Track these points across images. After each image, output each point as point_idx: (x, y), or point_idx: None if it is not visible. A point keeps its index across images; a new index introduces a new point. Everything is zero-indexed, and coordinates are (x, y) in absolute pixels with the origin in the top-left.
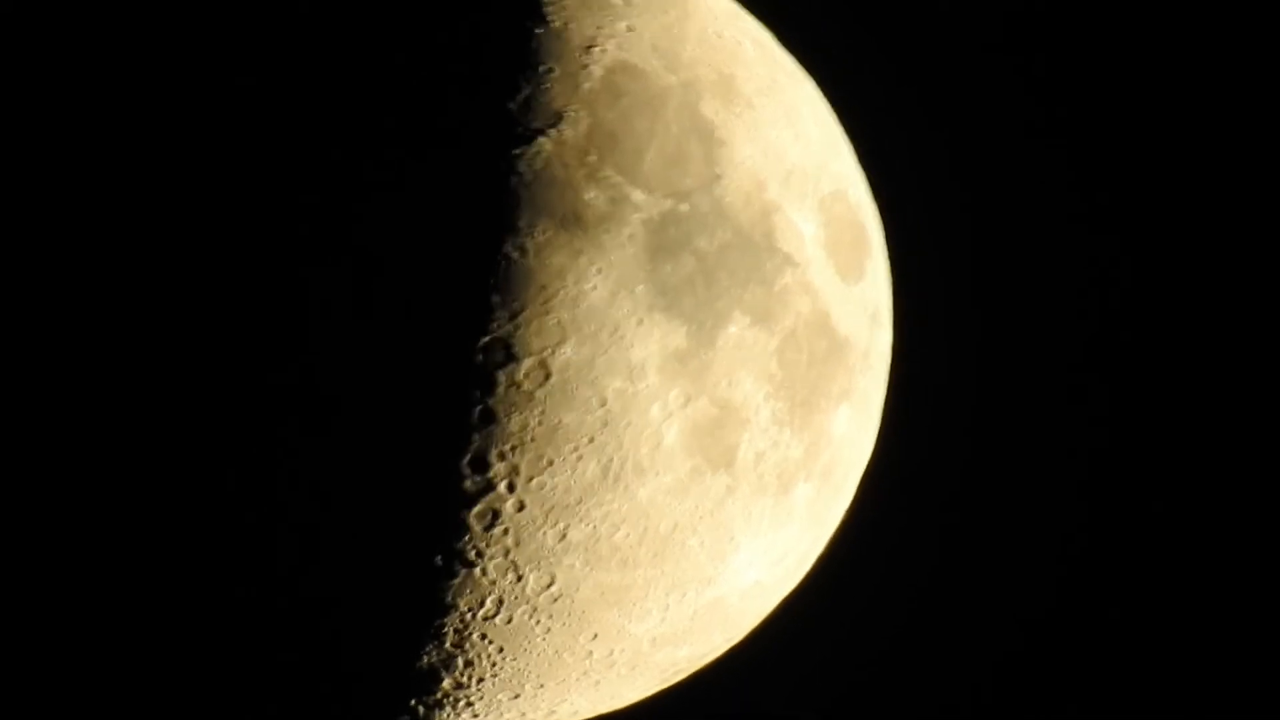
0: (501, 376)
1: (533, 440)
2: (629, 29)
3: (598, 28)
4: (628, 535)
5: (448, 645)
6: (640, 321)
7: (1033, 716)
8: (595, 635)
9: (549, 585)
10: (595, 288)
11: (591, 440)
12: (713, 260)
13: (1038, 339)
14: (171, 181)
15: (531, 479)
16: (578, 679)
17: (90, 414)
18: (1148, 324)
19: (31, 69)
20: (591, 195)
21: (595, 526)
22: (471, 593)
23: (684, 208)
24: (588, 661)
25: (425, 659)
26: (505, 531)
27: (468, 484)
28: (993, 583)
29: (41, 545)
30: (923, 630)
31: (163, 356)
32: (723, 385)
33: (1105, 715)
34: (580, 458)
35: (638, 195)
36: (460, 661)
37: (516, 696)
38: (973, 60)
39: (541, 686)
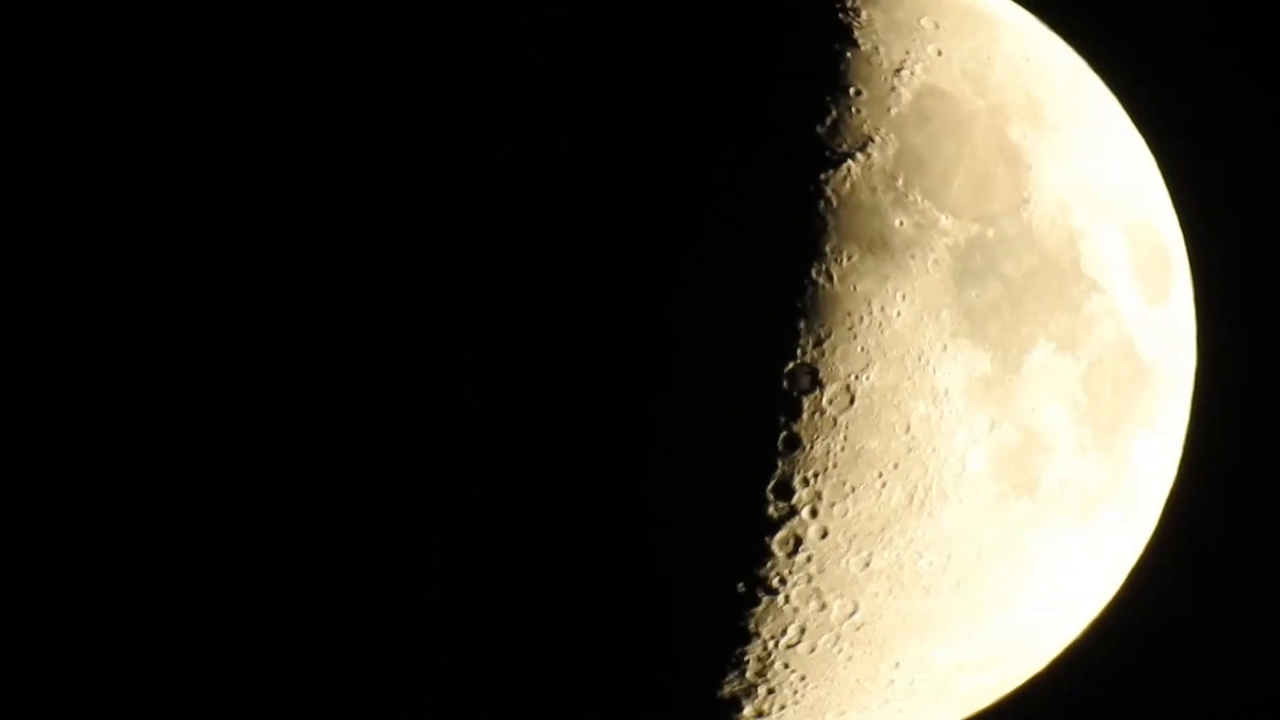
0: (806, 402)
1: (836, 466)
2: (938, 53)
3: (906, 51)
4: (931, 562)
5: (750, 673)
6: (945, 347)
7: None
8: (897, 664)
9: (852, 613)
10: (900, 313)
11: (896, 466)
12: (1019, 285)
13: None
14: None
15: (835, 505)
16: (879, 707)
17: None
18: None
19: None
20: (898, 220)
21: (899, 553)
22: (774, 620)
23: (990, 233)
24: (889, 690)
25: (728, 687)
26: (808, 558)
27: (771, 510)
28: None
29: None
30: (1233, 657)
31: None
32: (1028, 411)
33: None
34: (884, 484)
35: (944, 220)
36: (762, 690)
37: None
38: None
39: (843, 714)
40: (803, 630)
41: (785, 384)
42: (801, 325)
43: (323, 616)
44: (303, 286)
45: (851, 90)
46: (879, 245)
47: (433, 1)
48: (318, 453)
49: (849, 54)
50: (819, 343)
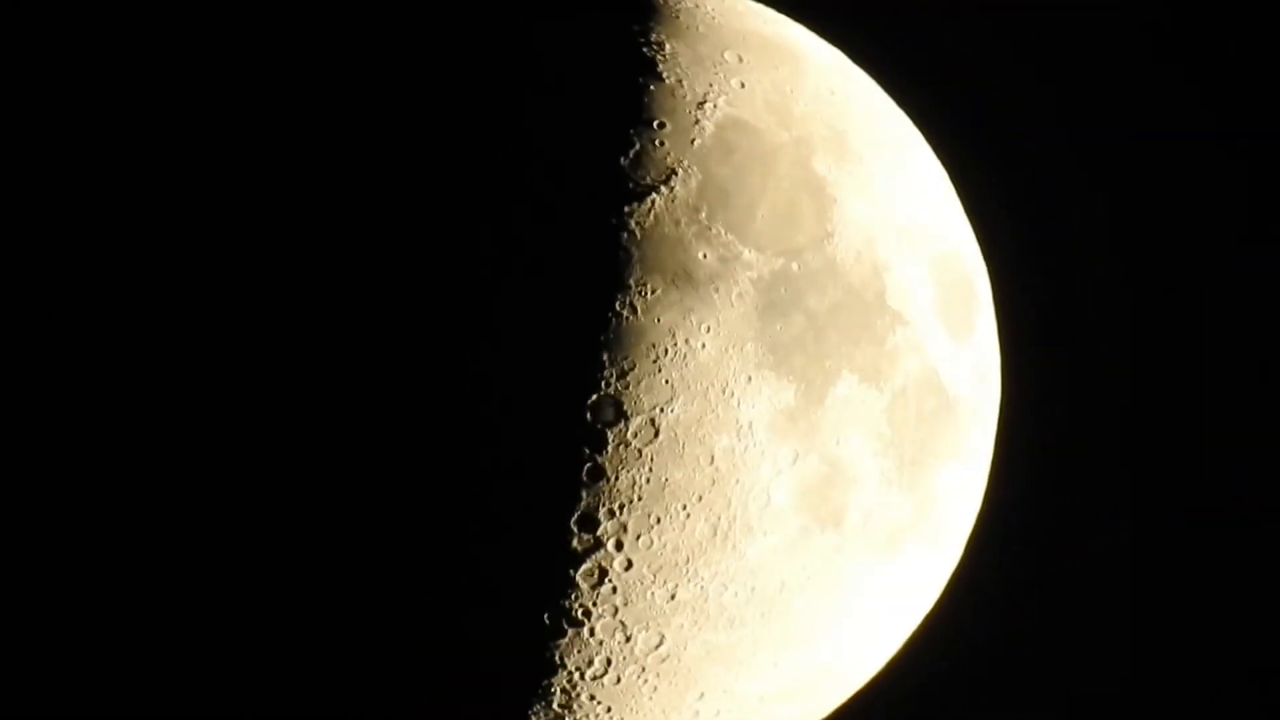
0: (611, 434)
1: (641, 498)
2: (741, 85)
3: (710, 84)
4: (736, 594)
5: (555, 705)
6: (749, 379)
7: None
8: (702, 694)
9: (658, 645)
10: (705, 346)
11: (700, 498)
12: (823, 319)
13: (1152, 393)
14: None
15: (639, 537)
16: None
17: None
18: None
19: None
20: (702, 253)
21: (704, 585)
22: (580, 652)
23: (795, 266)
24: None
25: (533, 718)
26: (613, 590)
27: (576, 542)
28: (1105, 640)
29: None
30: (1039, 684)
31: (319, 402)
32: (832, 444)
33: None
34: (689, 516)
35: (749, 253)
36: None
37: None
38: (1082, 115)
39: None
40: (608, 662)
41: (589, 416)
42: (605, 357)
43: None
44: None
45: (655, 123)
46: (683, 278)
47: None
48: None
49: (652, 87)
50: (623, 375)
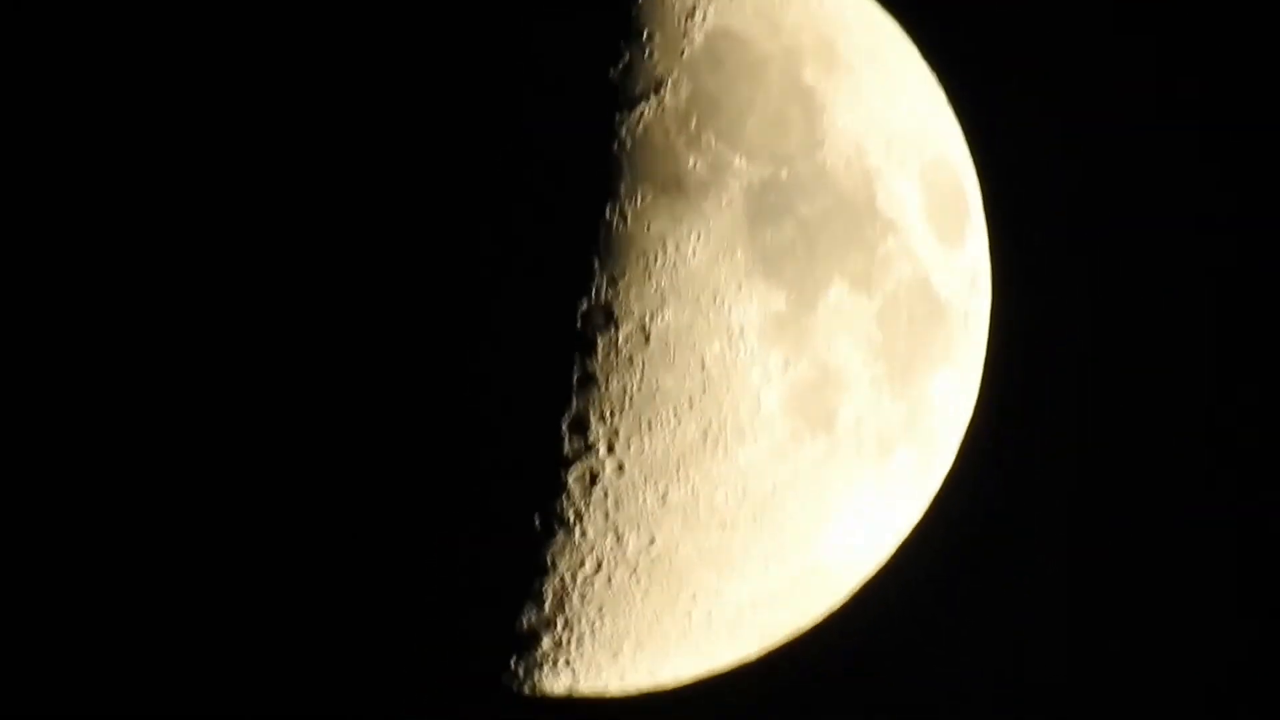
0: (602, 340)
1: (632, 404)
2: None
3: None
4: (727, 498)
5: (548, 607)
6: (740, 287)
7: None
8: (694, 596)
9: (649, 546)
10: (695, 253)
11: (691, 403)
12: (814, 226)
13: (1145, 301)
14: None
15: (631, 441)
16: (676, 640)
17: None
18: (1262, 287)
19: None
20: (692, 161)
21: (694, 489)
22: (572, 554)
23: (784, 174)
24: (687, 623)
25: (525, 620)
26: (605, 494)
27: (567, 446)
28: (1095, 546)
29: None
30: (1028, 591)
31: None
32: (823, 349)
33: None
34: (679, 421)
35: (738, 161)
36: (560, 623)
37: (616, 657)
38: (1076, 18)
39: (640, 647)
40: (599, 564)
41: (580, 323)
42: (596, 264)
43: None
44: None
45: (644, 33)
46: (673, 186)
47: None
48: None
49: None
50: (614, 282)
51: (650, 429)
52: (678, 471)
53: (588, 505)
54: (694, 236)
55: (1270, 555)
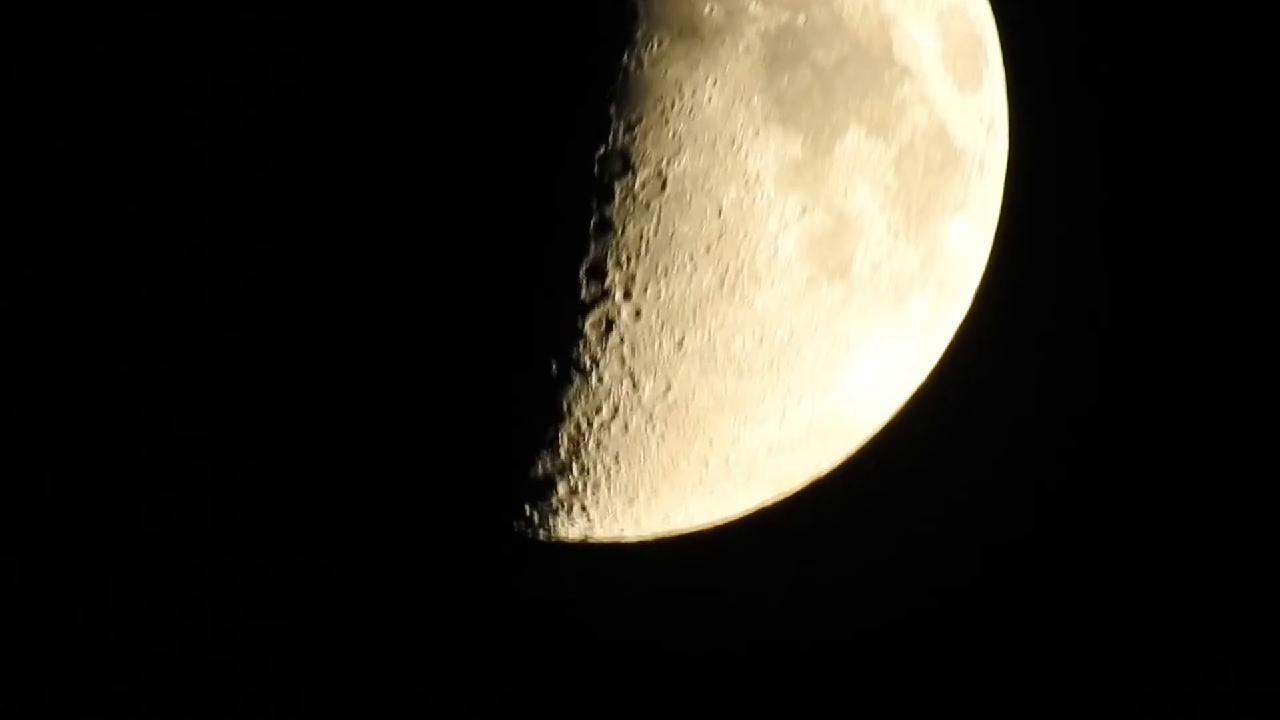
0: (619, 187)
1: (649, 250)
2: None
3: None
4: (744, 343)
5: (563, 453)
6: (757, 133)
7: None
8: (710, 443)
9: (665, 393)
10: (712, 99)
11: (708, 249)
12: (830, 72)
13: (1162, 149)
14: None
15: (647, 287)
16: (693, 487)
17: None
18: None
19: None
20: (708, 8)
21: (711, 334)
22: (587, 400)
23: (801, 19)
24: (703, 469)
25: (541, 467)
26: (621, 340)
27: (584, 292)
28: (1108, 391)
29: None
30: (1043, 436)
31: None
32: (839, 195)
33: None
34: (696, 267)
35: (755, 7)
36: (576, 469)
37: (631, 503)
38: None
39: (656, 494)
40: (616, 410)
41: (597, 169)
42: (612, 111)
43: None
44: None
45: None
46: (689, 31)
47: None
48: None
49: None
50: (630, 128)
51: (667, 275)
52: (694, 318)
53: (604, 351)
54: (710, 82)
55: None
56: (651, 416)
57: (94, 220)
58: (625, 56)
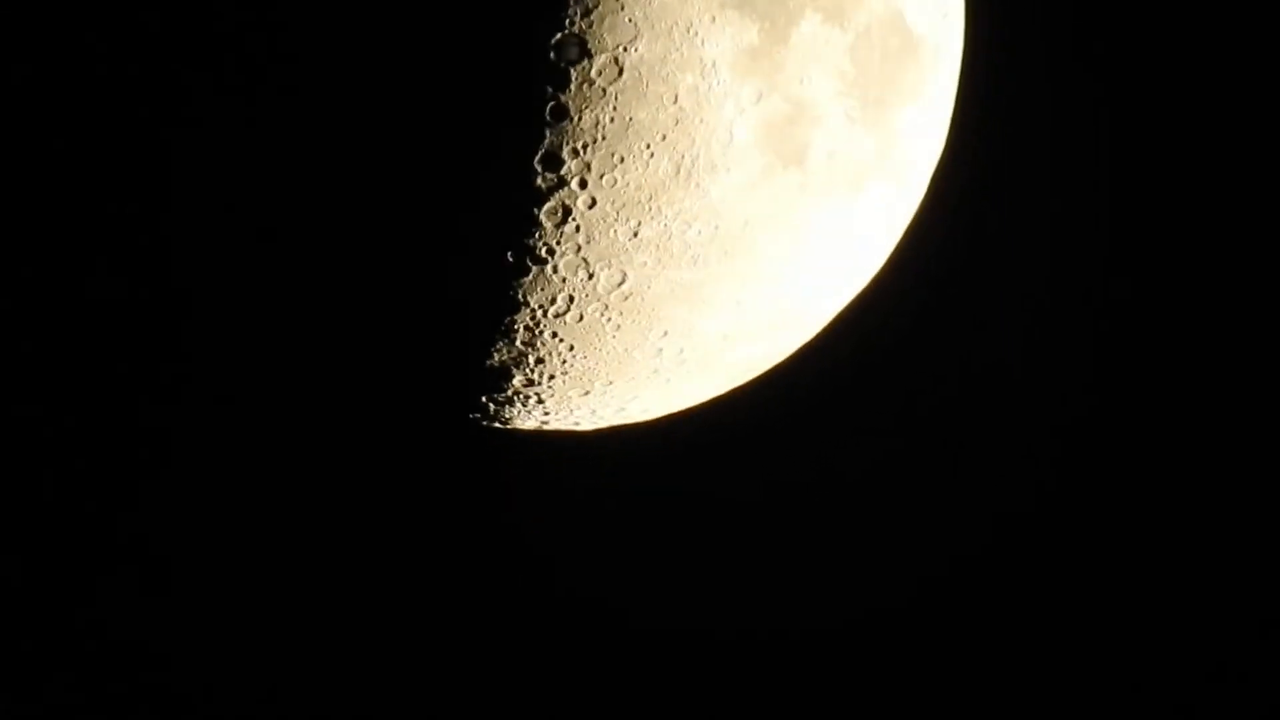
0: (574, 73)
1: (605, 137)
2: None
3: None
4: (699, 232)
5: (519, 343)
6: (713, 19)
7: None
8: (665, 333)
9: (620, 283)
10: None
11: (664, 137)
12: None
13: (1120, 46)
14: None
15: (603, 176)
16: (648, 376)
17: None
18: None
19: None
20: None
21: (667, 223)
22: (543, 290)
23: None
24: (658, 359)
25: (496, 356)
26: (576, 229)
27: (539, 181)
28: (1065, 277)
29: None
30: (998, 325)
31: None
32: (795, 83)
33: None
34: (652, 155)
35: None
36: (531, 359)
37: (587, 393)
38: None
39: (611, 383)
40: (571, 299)
41: (553, 55)
42: None
43: None
44: None
45: None
46: None
47: None
48: None
49: None
50: (587, 13)
51: (623, 163)
52: (650, 206)
53: (559, 241)
54: None
55: None
56: (607, 306)
57: (94, 220)
58: None
